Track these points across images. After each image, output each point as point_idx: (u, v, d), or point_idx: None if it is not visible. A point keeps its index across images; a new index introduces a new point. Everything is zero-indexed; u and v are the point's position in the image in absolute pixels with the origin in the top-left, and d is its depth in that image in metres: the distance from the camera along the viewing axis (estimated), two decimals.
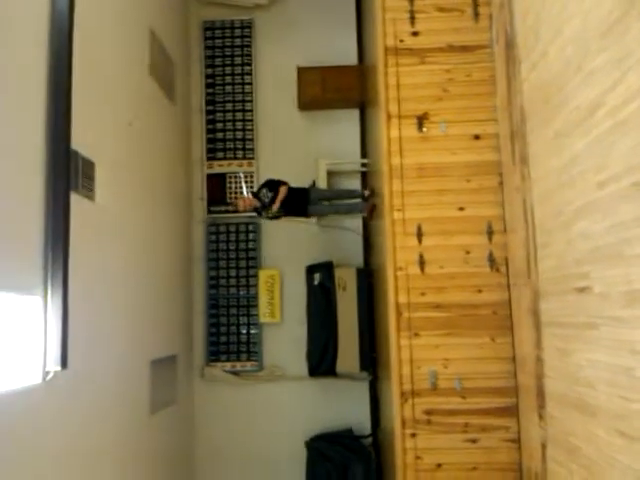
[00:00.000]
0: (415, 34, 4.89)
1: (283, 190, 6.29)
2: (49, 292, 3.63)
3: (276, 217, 6.50)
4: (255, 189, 7.04)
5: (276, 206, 6.26)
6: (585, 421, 3.30)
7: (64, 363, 3.64)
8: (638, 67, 2.63)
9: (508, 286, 4.65)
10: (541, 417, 4.03)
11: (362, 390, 7.34)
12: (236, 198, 6.70)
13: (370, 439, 7.14)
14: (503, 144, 4.67)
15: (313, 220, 7.21)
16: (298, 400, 7.39)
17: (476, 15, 4.85)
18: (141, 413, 5.53)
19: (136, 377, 5.43)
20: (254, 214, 7.44)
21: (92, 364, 4.32)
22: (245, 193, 7.48)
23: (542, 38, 3.73)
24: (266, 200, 6.31)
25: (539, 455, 4.08)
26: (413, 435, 4.61)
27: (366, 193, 6.46)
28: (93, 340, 4.36)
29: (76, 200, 4.08)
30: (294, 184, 6.50)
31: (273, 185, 6.37)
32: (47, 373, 3.60)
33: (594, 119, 3.05)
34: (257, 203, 6.39)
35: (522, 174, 4.24)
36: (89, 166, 4.42)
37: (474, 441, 4.57)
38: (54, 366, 3.61)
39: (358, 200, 6.61)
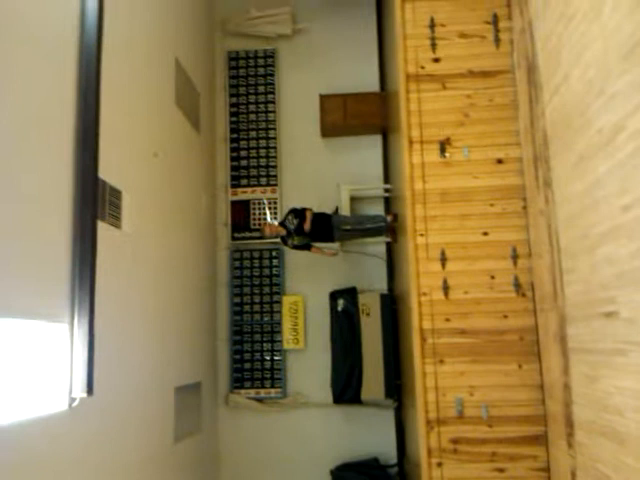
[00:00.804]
0: (436, 60, 4.93)
1: (309, 214, 6.35)
2: (76, 319, 3.68)
3: (302, 246, 6.51)
4: (278, 216, 7.13)
5: (307, 225, 6.28)
6: (614, 449, 3.22)
7: (90, 390, 3.67)
8: None
9: (534, 311, 4.59)
10: (570, 445, 3.94)
11: (387, 418, 7.24)
12: (263, 224, 6.68)
13: (396, 468, 7.03)
14: (526, 168, 4.65)
15: (335, 246, 7.12)
16: (323, 428, 7.32)
17: (497, 41, 4.88)
18: (166, 440, 5.52)
19: (161, 404, 5.44)
20: (277, 240, 7.52)
21: (117, 391, 4.35)
22: (269, 219, 7.56)
23: (563, 62, 3.73)
24: (292, 227, 6.35)
25: None
26: (439, 464, 4.53)
27: (389, 218, 6.44)
28: (118, 367, 4.39)
29: (103, 228, 4.15)
30: (316, 210, 6.56)
31: (298, 212, 6.43)
32: (73, 400, 3.64)
33: (616, 142, 3.03)
34: (283, 231, 6.43)
35: (546, 198, 4.21)
36: (116, 194, 4.50)
37: (502, 470, 4.48)
38: (80, 393, 3.64)
39: (382, 224, 6.59)
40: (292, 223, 6.37)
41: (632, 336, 2.98)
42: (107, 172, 4.23)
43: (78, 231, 3.77)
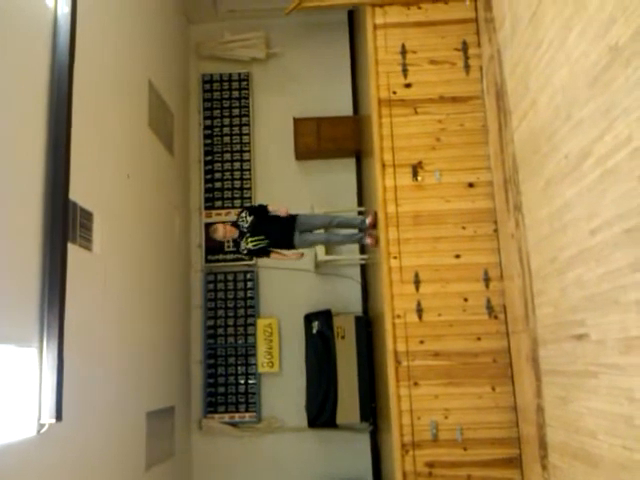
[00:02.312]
0: (408, 86, 5.00)
1: (272, 208, 5.56)
2: (45, 343, 3.62)
3: (258, 251, 5.50)
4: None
5: (272, 207, 5.50)
6: (588, 472, 3.24)
7: (59, 416, 3.59)
8: (625, 116, 2.68)
9: (507, 334, 4.62)
10: (544, 467, 3.95)
11: (363, 441, 7.20)
12: (213, 228, 5.57)
13: None
14: (497, 192, 4.72)
15: (304, 260, 6.16)
16: (298, 452, 7.25)
17: (467, 67, 4.97)
18: (137, 467, 5.42)
19: (132, 429, 5.34)
20: (252, 262, 7.50)
21: (87, 416, 4.26)
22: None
23: (531, 88, 3.81)
24: (245, 225, 5.42)
25: None
26: None
27: (368, 220, 5.41)
28: (88, 392, 4.31)
29: (73, 250, 4.10)
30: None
31: (253, 209, 5.65)
32: (42, 426, 3.56)
33: (583, 168, 3.09)
34: (236, 233, 5.48)
35: (516, 221, 4.27)
36: (87, 216, 4.45)
37: None
38: (49, 418, 3.56)
39: (355, 231, 5.75)
40: (245, 221, 5.45)
41: (602, 358, 3.02)
42: (78, 193, 4.19)
43: (48, 253, 3.72)
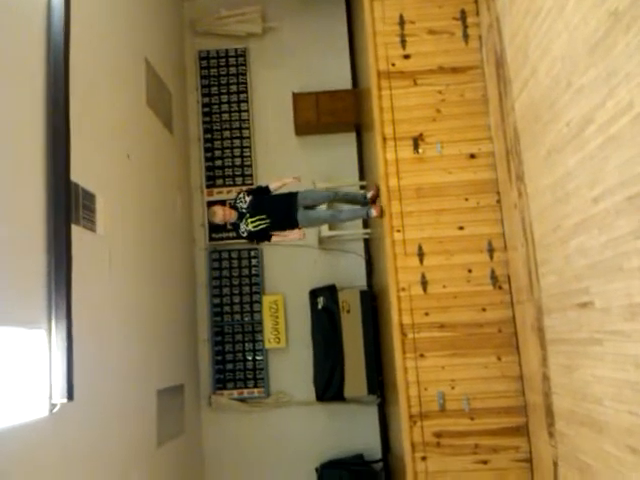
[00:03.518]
0: (406, 57, 4.95)
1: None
2: (53, 325, 3.65)
3: (258, 233, 5.23)
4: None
5: (274, 185, 5.28)
6: (595, 438, 3.28)
7: (70, 395, 3.64)
8: (626, 82, 2.65)
9: (512, 304, 4.64)
10: (551, 435, 3.99)
11: (371, 414, 7.28)
12: (212, 210, 5.30)
13: (381, 464, 7.06)
14: (499, 162, 4.70)
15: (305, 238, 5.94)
16: (307, 426, 7.33)
17: (466, 37, 4.91)
18: (149, 444, 5.49)
19: (143, 408, 5.41)
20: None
21: (98, 396, 4.31)
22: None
23: (531, 56, 3.77)
24: (244, 206, 5.19)
25: (551, 474, 4.03)
26: (423, 458, 4.57)
27: (370, 195, 5.23)
28: (98, 371, 4.36)
29: (77, 232, 4.11)
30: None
31: (252, 190, 5.44)
32: (53, 406, 3.61)
33: (585, 135, 3.07)
34: (235, 216, 5.23)
35: (519, 191, 4.25)
36: (90, 198, 4.46)
37: (485, 462, 4.52)
38: (60, 398, 3.61)
39: (358, 206, 5.49)
40: (243, 201, 5.19)
41: (607, 325, 3.03)
42: (80, 175, 4.19)
43: (52, 236, 3.74)
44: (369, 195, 5.27)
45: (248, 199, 5.20)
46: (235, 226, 5.29)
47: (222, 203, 6.32)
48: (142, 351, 5.42)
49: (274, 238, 5.34)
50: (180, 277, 7.05)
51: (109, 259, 4.81)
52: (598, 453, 3.23)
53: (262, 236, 5.33)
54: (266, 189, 5.36)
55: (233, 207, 5.27)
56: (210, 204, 7.70)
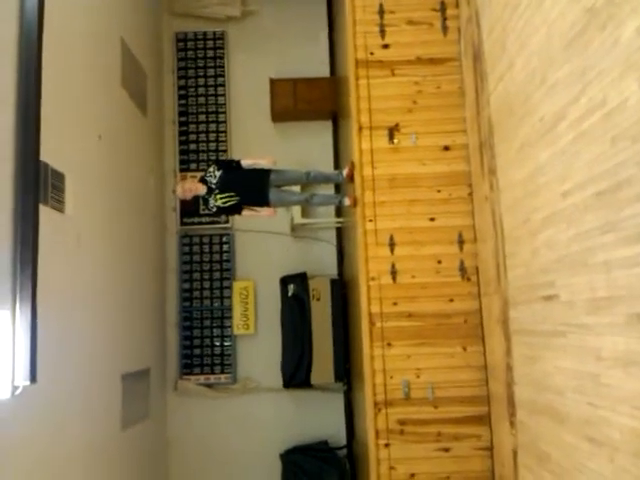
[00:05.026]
0: (385, 47, 4.95)
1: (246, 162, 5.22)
2: (17, 306, 3.59)
3: (228, 208, 5.19)
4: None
5: (246, 161, 5.14)
6: (554, 428, 3.35)
7: (33, 377, 3.59)
8: (600, 79, 2.69)
9: (479, 295, 4.70)
10: (512, 424, 4.07)
11: (337, 401, 7.32)
12: (176, 183, 5.14)
13: (345, 450, 7.13)
14: (472, 155, 4.74)
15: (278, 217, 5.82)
16: (273, 412, 7.35)
17: (444, 28, 4.93)
18: (112, 428, 5.45)
19: (107, 391, 5.36)
20: (228, 224, 7.47)
21: (61, 378, 4.26)
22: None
23: (508, 50, 3.81)
24: (213, 181, 5.07)
25: (511, 463, 4.11)
26: (387, 445, 4.62)
27: (345, 172, 5.20)
28: (63, 354, 4.30)
29: (45, 212, 4.04)
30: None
31: (222, 163, 5.32)
32: (16, 388, 3.55)
33: (557, 130, 3.12)
34: (203, 190, 5.13)
35: (491, 184, 4.30)
36: (59, 178, 4.38)
37: (447, 450, 4.59)
38: (23, 381, 3.55)
39: (333, 192, 5.63)
40: (213, 176, 5.08)
41: (570, 318, 3.09)
42: (49, 154, 4.11)
43: (19, 215, 3.67)
44: (344, 172, 5.24)
45: (218, 174, 5.11)
46: (204, 200, 5.22)
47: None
48: (108, 334, 5.36)
49: (245, 212, 5.27)
50: (150, 261, 6.99)
51: (77, 240, 4.74)
52: (557, 443, 3.31)
53: (232, 211, 5.33)
54: (237, 164, 5.27)
55: (202, 181, 5.17)
56: None
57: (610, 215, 2.63)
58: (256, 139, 7.71)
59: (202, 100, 7.83)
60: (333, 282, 7.06)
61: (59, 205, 4.37)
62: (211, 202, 5.13)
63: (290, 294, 7.07)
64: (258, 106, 7.66)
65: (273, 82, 7.47)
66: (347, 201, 5.22)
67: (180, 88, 7.86)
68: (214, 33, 7.90)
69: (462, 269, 4.73)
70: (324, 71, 7.77)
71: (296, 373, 6.92)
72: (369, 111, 4.91)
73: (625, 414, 2.59)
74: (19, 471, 3.66)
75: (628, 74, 2.45)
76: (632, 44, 2.41)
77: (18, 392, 3.56)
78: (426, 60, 4.91)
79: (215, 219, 7.41)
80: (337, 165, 7.54)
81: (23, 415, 3.69)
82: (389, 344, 4.69)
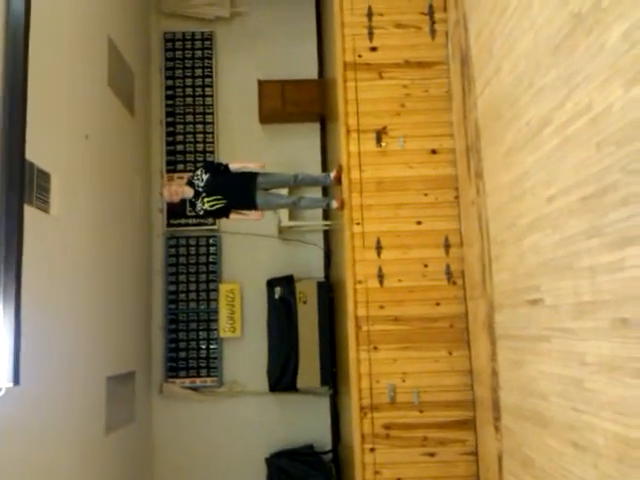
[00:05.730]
0: (373, 49, 4.94)
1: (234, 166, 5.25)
2: (1, 307, 3.55)
3: (216, 212, 5.24)
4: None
5: (235, 165, 5.18)
6: (538, 433, 3.35)
7: (16, 379, 3.56)
8: (585, 84, 2.70)
9: (465, 299, 4.70)
10: (497, 429, 4.06)
11: (323, 405, 7.31)
12: (163, 186, 5.17)
13: (330, 455, 7.11)
14: (459, 159, 4.75)
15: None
16: (259, 416, 7.32)
17: (432, 32, 4.94)
18: (97, 431, 5.40)
19: (91, 394, 5.31)
20: (215, 226, 7.44)
21: (45, 381, 4.21)
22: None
23: (495, 54, 3.81)
24: (200, 184, 5.10)
25: (496, 467, 4.11)
26: (372, 450, 4.60)
27: (332, 174, 5.18)
28: (47, 356, 4.26)
29: (30, 212, 4.00)
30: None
31: (210, 166, 5.35)
32: None
33: (543, 135, 3.12)
34: (190, 193, 5.15)
35: (477, 188, 4.30)
36: (45, 177, 4.34)
37: (432, 455, 4.58)
38: (6, 382, 3.52)
39: (321, 196, 5.57)
40: (200, 179, 5.10)
41: (555, 322, 3.09)
42: (35, 154, 4.08)
43: (3, 215, 3.63)
44: (332, 175, 5.21)
45: (205, 177, 5.11)
46: (192, 204, 5.24)
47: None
48: (92, 337, 5.32)
49: (233, 215, 5.30)
50: (135, 262, 6.94)
51: (62, 241, 4.70)
52: (541, 447, 3.31)
53: (220, 214, 5.35)
54: (225, 168, 5.28)
55: (189, 184, 5.18)
56: None
57: (595, 220, 2.64)
58: (243, 140, 7.70)
59: (190, 101, 7.81)
60: (320, 285, 7.06)
61: (44, 205, 4.34)
62: (198, 205, 5.15)
63: (277, 297, 7.06)
64: (246, 107, 7.66)
65: (261, 83, 7.47)
66: (334, 204, 5.22)
67: (168, 88, 7.83)
68: (202, 33, 7.89)
69: (448, 273, 4.73)
70: (312, 73, 7.78)
71: (282, 377, 6.91)
72: (357, 114, 4.90)
73: (609, 419, 2.59)
74: (1, 474, 3.61)
75: (614, 79, 2.45)
76: (618, 49, 2.41)
77: (1, 394, 3.52)
78: (414, 63, 4.91)
79: (202, 221, 7.38)
80: (325, 167, 7.53)
81: (6, 417, 3.65)
82: (375, 348, 4.68)
